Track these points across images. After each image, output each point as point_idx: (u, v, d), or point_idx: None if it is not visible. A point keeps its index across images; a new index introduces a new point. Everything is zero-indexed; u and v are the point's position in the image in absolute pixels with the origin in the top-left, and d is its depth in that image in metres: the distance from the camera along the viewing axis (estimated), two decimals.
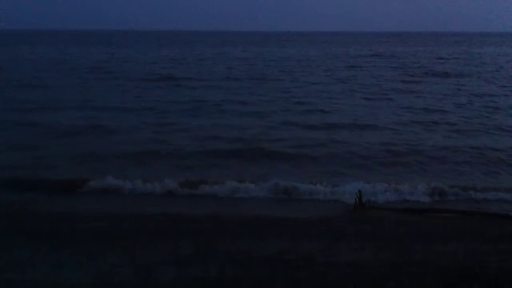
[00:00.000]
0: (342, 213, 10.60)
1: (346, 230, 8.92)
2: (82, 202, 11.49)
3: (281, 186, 12.14)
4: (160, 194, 11.82)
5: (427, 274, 6.04)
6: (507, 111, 23.15)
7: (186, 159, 14.68)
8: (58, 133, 17.77)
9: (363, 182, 12.29)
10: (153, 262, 6.55)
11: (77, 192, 11.89)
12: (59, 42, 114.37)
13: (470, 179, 13.07)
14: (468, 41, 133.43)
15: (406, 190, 12.11)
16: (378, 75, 39.70)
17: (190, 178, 12.51)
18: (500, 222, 9.78)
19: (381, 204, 11.29)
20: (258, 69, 44.93)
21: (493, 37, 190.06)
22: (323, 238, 8.21)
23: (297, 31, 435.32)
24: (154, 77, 37.25)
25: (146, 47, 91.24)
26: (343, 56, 68.89)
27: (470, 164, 14.52)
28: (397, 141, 17.04)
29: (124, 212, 10.24)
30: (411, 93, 29.65)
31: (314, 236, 8.40)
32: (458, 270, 6.22)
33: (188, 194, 11.78)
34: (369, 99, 27.00)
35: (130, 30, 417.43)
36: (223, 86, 31.65)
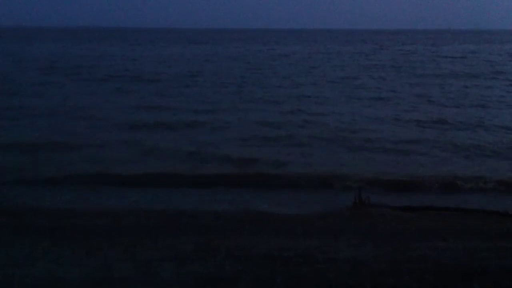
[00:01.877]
0: (341, 210, 10.61)
1: (346, 227, 8.93)
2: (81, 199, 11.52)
3: None
4: None
5: (427, 271, 6.05)
6: None
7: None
8: None
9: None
10: (153, 258, 6.55)
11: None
12: (51, 38, 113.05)
13: None
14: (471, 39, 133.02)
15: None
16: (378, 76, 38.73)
17: None
18: (500, 220, 9.79)
19: (380, 201, 11.30)
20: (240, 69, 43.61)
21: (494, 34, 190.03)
22: (323, 235, 8.22)
23: (299, 28, 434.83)
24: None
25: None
26: (344, 54, 68.82)
27: None
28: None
29: (123, 208, 10.24)
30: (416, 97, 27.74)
31: (314, 233, 8.41)
32: (457, 267, 6.23)
33: None
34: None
35: (134, 27, 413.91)
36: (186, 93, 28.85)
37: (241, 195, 12.10)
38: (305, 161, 15.37)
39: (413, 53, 71.97)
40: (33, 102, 24.29)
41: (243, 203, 11.35)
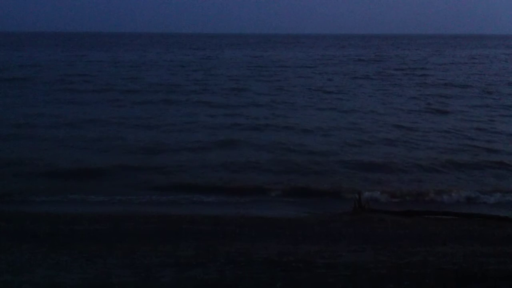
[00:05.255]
0: (341, 215, 10.62)
1: (346, 231, 8.93)
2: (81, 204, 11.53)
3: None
4: None
5: (427, 276, 6.03)
6: None
7: None
8: None
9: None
10: (153, 264, 6.54)
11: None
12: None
13: None
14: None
15: None
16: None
17: None
18: (499, 224, 9.79)
19: (380, 206, 11.32)
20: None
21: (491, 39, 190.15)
22: (323, 240, 8.21)
23: (298, 33, 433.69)
24: None
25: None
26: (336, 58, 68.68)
27: None
28: None
29: (123, 214, 10.24)
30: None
31: (314, 238, 8.41)
32: (457, 272, 6.21)
33: None
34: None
35: (135, 32, 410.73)
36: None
37: (241, 201, 12.15)
38: (306, 166, 15.44)
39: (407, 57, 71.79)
40: None
41: (242, 208, 11.37)
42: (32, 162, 14.89)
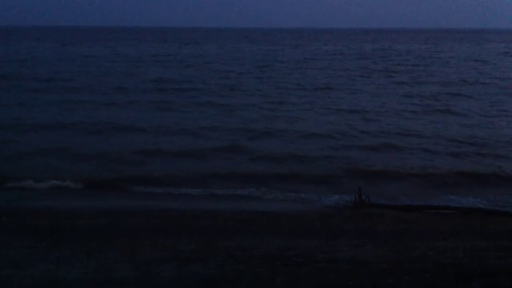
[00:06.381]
0: (341, 210, 10.63)
1: (346, 227, 8.94)
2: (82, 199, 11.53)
3: None
4: None
5: (427, 271, 6.04)
6: None
7: None
8: None
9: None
10: (153, 259, 6.54)
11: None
12: None
13: None
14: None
15: None
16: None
17: None
18: (500, 219, 9.81)
19: (380, 201, 11.32)
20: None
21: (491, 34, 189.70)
22: (323, 235, 8.22)
23: (299, 27, 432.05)
24: None
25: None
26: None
27: None
28: None
29: (123, 209, 10.24)
30: None
31: (314, 233, 8.42)
32: (457, 267, 6.23)
33: None
34: None
35: (136, 26, 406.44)
36: None
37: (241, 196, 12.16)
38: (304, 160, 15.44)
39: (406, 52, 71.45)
40: None
41: (243, 203, 11.37)
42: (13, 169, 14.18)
